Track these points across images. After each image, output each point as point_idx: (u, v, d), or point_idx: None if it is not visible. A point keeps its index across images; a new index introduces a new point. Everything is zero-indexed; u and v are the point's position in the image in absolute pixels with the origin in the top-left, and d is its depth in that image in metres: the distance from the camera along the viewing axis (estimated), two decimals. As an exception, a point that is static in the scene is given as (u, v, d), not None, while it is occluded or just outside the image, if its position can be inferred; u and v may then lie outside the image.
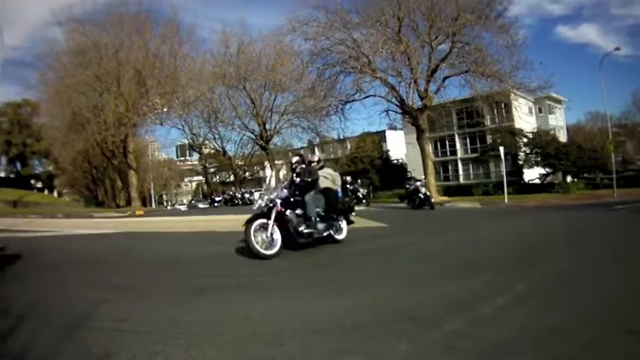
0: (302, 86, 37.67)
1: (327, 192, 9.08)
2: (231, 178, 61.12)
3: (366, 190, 25.09)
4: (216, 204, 44.45)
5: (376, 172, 34.90)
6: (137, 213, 30.51)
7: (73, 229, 14.41)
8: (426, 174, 30.89)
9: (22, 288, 5.79)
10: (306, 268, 7.01)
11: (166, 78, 38.15)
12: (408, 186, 22.06)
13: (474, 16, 28.32)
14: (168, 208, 63.47)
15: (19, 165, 72.16)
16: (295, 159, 9.72)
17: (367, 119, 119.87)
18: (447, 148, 53.13)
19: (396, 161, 55.17)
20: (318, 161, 9.82)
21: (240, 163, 58.34)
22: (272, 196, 7.99)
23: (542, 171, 43.09)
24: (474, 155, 49.16)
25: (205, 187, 68.31)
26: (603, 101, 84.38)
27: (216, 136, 54.78)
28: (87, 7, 48.91)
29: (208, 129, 53.92)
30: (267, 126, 47.65)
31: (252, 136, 50.33)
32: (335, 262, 7.45)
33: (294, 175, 8.79)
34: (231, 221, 14.35)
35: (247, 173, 63.27)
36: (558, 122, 53.72)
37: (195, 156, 69.05)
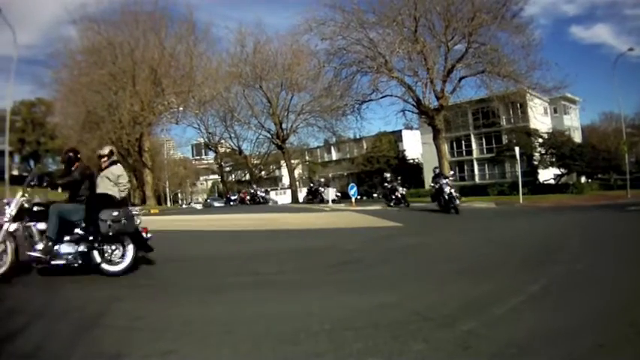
0: (318, 86, 37.55)
1: (96, 201, 6.89)
2: (247, 177, 61.14)
3: (405, 190, 24.21)
4: (231, 202, 43.88)
5: (392, 171, 34.81)
6: (152, 211, 30.52)
7: None
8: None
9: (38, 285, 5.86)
10: (322, 267, 7.02)
11: (182, 77, 38.10)
12: (433, 184, 18.13)
13: (489, 16, 28.22)
14: (184, 206, 63.57)
15: (32, 163, 72.62)
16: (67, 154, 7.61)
17: (384, 119, 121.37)
18: (463, 148, 52.90)
19: (412, 161, 55.13)
20: (109, 155, 7.61)
21: (256, 162, 58.04)
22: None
23: (557, 171, 42.77)
24: (489, 155, 48.92)
25: (221, 186, 68.36)
26: (617, 102, 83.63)
27: (232, 135, 54.41)
28: (101, 6, 48.92)
29: (224, 128, 53.69)
30: (284, 125, 47.54)
31: (269, 135, 50.18)
32: (351, 261, 7.45)
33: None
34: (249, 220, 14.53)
35: (263, 172, 63.09)
36: (573, 123, 53.36)
37: (211, 155, 68.96)
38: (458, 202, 16.90)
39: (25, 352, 3.36)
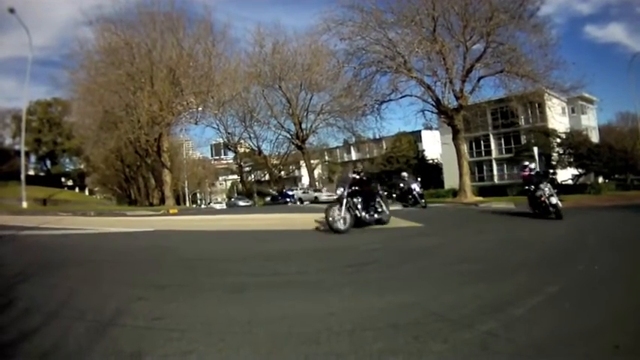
0: (338, 86, 37.90)
1: None
2: (267, 177, 61.36)
3: (421, 188, 23.41)
4: (288, 200, 44.36)
5: (412, 171, 34.92)
6: (171, 212, 30.66)
7: (107, 227, 14.49)
8: (461, 174, 30.92)
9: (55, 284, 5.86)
10: (342, 267, 7.01)
11: (201, 77, 38.22)
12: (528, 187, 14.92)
13: (507, 16, 28.20)
14: (203, 206, 63.72)
15: (49, 163, 73.19)
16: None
17: (403, 119, 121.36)
18: (482, 148, 53.06)
19: (431, 161, 55.14)
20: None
21: (275, 162, 58.32)
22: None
23: (575, 172, 42.54)
24: (508, 155, 48.97)
25: (240, 186, 68.54)
26: (634, 101, 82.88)
27: (252, 135, 54.95)
28: (117, 7, 49.25)
29: (243, 128, 54.17)
30: (303, 125, 47.95)
31: (288, 135, 50.73)
32: (371, 261, 7.43)
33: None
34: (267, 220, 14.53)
35: (282, 172, 63.38)
36: (590, 122, 53.12)
37: (230, 155, 69.41)
38: (559, 205, 13.33)
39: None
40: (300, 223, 14.49)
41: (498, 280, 5.86)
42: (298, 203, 41.75)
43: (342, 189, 11.92)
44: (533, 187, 14.26)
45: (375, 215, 12.49)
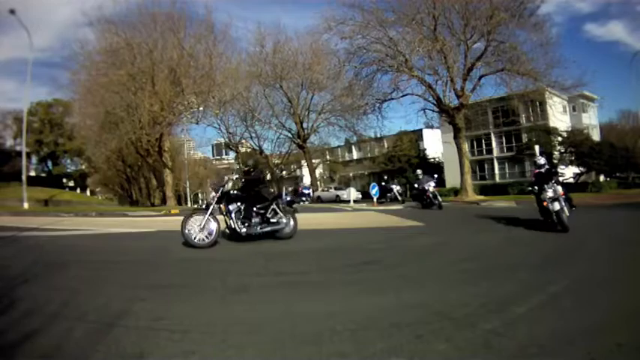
0: (339, 85, 37.90)
1: None
2: (268, 176, 61.34)
3: (435, 187, 22.15)
4: (304, 199, 39.16)
5: (413, 170, 34.99)
6: (172, 212, 30.61)
7: (108, 227, 14.39)
8: (462, 173, 30.93)
9: (57, 285, 5.85)
10: (343, 267, 7.02)
11: (202, 77, 37.98)
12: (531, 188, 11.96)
13: (507, 14, 28.19)
14: (204, 206, 63.54)
15: (50, 164, 73.22)
16: None
17: (404, 118, 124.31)
18: (483, 146, 53.04)
19: (433, 160, 55.09)
20: None
21: (277, 161, 58.25)
22: None
23: (577, 170, 42.51)
24: (509, 154, 49.04)
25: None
26: (635, 99, 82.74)
27: (253, 135, 54.56)
28: (118, 7, 49.17)
29: (245, 128, 53.79)
30: (305, 124, 47.89)
31: (289, 134, 50.55)
32: (373, 261, 7.42)
33: None
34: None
35: (284, 172, 63.32)
36: (591, 121, 53.06)
37: (232, 154, 69.11)
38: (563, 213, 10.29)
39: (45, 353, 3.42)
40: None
41: (500, 278, 5.86)
42: (303, 203, 36.84)
43: (213, 193, 10.05)
44: (537, 187, 11.01)
45: (261, 228, 9.83)
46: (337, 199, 39.34)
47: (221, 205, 9.66)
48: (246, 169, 10.97)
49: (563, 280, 5.52)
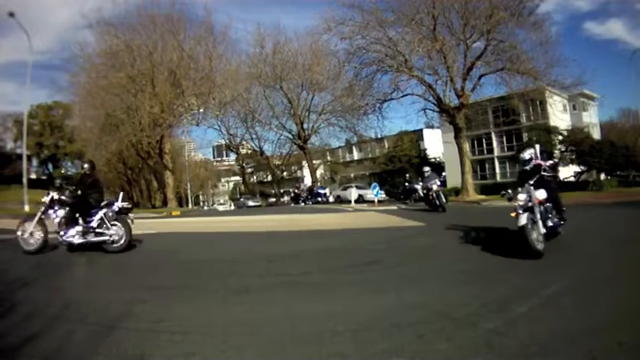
0: (339, 85, 37.69)
1: None
2: (269, 177, 61.24)
3: (440, 187, 19.80)
4: (319, 199, 38.60)
5: (414, 170, 34.82)
6: (173, 214, 30.67)
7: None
8: (463, 172, 30.86)
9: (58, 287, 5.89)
10: (344, 268, 7.03)
11: (202, 78, 38.02)
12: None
13: (507, 14, 28.02)
14: (205, 208, 63.63)
15: (50, 166, 73.13)
16: None
17: (405, 118, 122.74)
18: (484, 146, 52.92)
19: (433, 160, 55.03)
20: None
21: (277, 162, 58.17)
22: None
23: (577, 169, 42.42)
24: (510, 153, 48.81)
25: (242, 187, 68.42)
26: (635, 97, 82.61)
27: (254, 136, 54.38)
28: (117, 9, 49.11)
29: (245, 129, 53.59)
30: (305, 125, 47.71)
31: (290, 135, 50.33)
32: (374, 261, 7.41)
33: None
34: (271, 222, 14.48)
35: (285, 173, 63.38)
36: (592, 119, 52.94)
37: (232, 156, 68.82)
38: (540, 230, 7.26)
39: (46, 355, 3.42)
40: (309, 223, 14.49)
41: (501, 278, 5.84)
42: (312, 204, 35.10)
43: (46, 197, 9.21)
44: (510, 191, 8.12)
45: (83, 238, 8.90)
46: (360, 199, 34.79)
47: (49, 211, 9.02)
48: (82, 171, 10.35)
49: (564, 280, 5.51)
